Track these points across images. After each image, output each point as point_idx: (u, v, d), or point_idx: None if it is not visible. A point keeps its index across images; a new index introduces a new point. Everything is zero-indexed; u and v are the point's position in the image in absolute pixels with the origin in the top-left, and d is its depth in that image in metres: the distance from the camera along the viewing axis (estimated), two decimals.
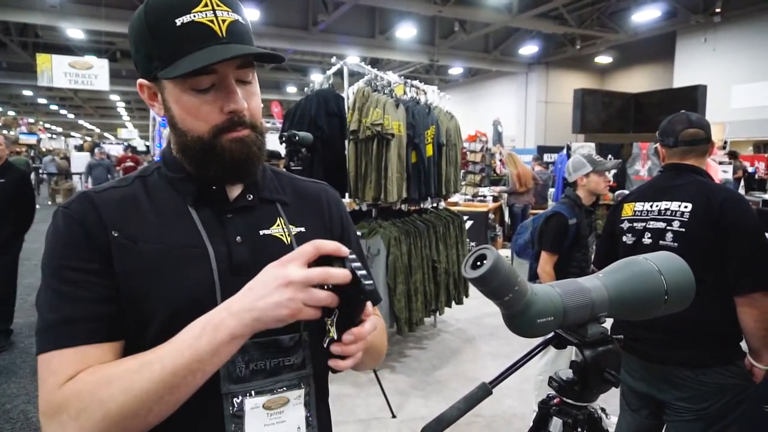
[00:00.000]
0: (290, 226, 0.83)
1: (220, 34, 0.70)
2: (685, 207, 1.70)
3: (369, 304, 0.65)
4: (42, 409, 0.66)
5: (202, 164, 0.75)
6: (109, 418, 0.62)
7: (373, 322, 0.67)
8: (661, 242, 1.73)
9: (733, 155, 9.12)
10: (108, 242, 0.72)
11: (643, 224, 1.81)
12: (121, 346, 0.71)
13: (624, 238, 1.88)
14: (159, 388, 0.62)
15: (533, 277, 2.84)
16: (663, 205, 1.77)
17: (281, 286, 0.62)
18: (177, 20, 0.68)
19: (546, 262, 2.69)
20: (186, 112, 0.73)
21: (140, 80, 0.77)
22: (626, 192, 6.51)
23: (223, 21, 0.70)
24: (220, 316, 0.64)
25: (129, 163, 11.31)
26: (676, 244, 1.69)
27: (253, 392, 0.73)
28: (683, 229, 1.69)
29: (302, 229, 0.84)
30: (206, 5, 0.69)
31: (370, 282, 0.63)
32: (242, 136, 0.74)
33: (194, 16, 0.69)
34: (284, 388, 0.76)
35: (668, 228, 1.73)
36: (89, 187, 7.74)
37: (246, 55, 0.70)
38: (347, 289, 0.63)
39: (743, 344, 1.69)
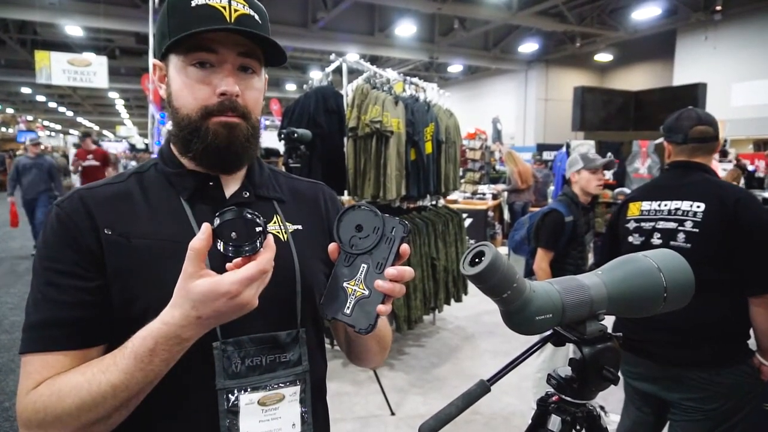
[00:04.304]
0: (287, 224, 0.83)
1: (228, 20, 0.72)
2: (698, 207, 1.67)
3: (404, 247, 0.69)
4: (17, 413, 0.69)
5: (187, 143, 0.76)
6: (69, 427, 0.65)
7: (411, 270, 0.69)
8: (672, 243, 1.69)
9: (723, 154, 9.04)
10: (99, 242, 0.72)
11: (652, 224, 1.77)
12: (100, 351, 0.71)
13: (630, 239, 1.83)
14: (114, 402, 0.64)
15: (529, 273, 2.84)
16: (673, 204, 1.73)
17: (229, 300, 0.62)
18: (193, 2, 0.72)
19: (542, 259, 2.69)
20: (181, 87, 0.75)
21: (154, 60, 0.81)
22: (626, 190, 6.52)
23: (235, 11, 0.73)
24: (170, 343, 0.64)
25: (90, 162, 7.94)
26: (689, 245, 1.65)
27: (248, 388, 0.73)
28: (696, 230, 1.65)
29: (299, 227, 0.85)
30: None
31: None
32: (231, 122, 0.75)
33: (209, 0, 0.72)
34: (280, 385, 0.75)
35: (680, 228, 1.69)
36: (14, 200, 6.95)
37: (234, 32, 0.72)
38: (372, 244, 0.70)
39: (749, 342, 1.68)
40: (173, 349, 0.64)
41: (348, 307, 0.69)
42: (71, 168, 8.72)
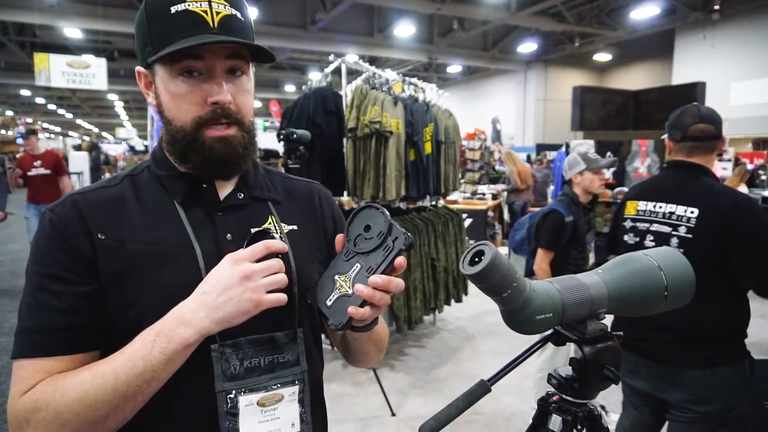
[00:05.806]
0: (282, 224, 0.83)
1: (211, 25, 0.70)
2: (692, 212, 1.66)
3: (400, 260, 0.69)
4: (8, 419, 0.68)
5: (183, 155, 0.75)
6: (67, 427, 0.64)
7: (399, 282, 0.70)
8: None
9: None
10: (93, 247, 0.71)
11: (647, 225, 1.78)
12: (94, 356, 0.71)
13: (626, 237, 1.83)
14: (113, 398, 0.64)
15: (530, 273, 2.84)
16: (668, 208, 1.72)
17: (242, 280, 0.66)
18: (172, 8, 0.70)
19: (542, 259, 2.69)
20: (172, 99, 0.73)
21: (138, 68, 0.78)
22: (626, 189, 6.49)
23: (217, 13, 0.71)
24: (171, 326, 0.65)
25: (38, 171, 5.58)
26: (681, 250, 1.66)
27: (247, 389, 0.73)
28: (690, 235, 1.65)
29: (294, 227, 0.84)
30: None
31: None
32: (226, 135, 0.74)
33: (188, 6, 0.70)
34: (278, 385, 0.75)
35: (674, 233, 1.69)
36: None
37: (229, 43, 0.71)
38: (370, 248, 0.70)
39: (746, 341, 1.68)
40: (173, 337, 0.65)
41: (330, 300, 0.72)
42: (10, 182, 5.90)
